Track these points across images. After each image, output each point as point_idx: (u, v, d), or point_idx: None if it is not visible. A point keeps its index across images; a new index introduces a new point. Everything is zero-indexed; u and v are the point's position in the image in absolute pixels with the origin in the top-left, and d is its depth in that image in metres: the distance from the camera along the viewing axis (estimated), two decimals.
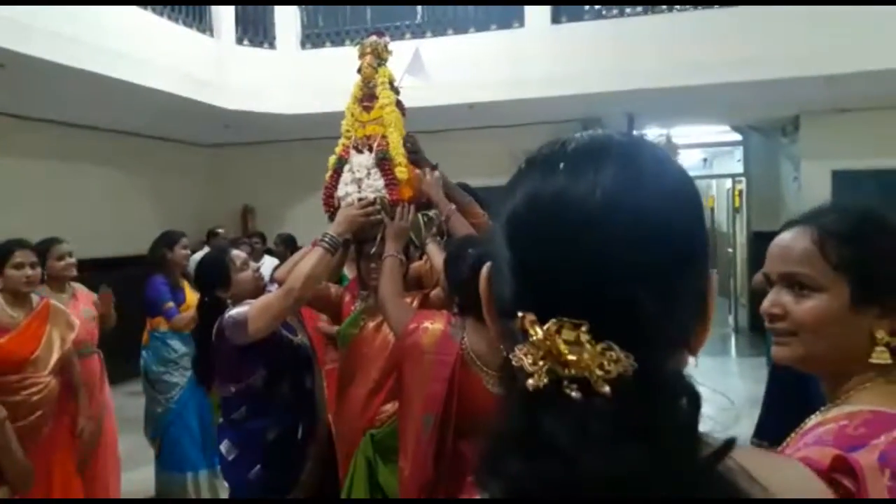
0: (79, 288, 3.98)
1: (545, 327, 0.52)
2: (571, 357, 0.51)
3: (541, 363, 0.51)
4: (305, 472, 2.66)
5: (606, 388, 0.50)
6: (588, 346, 0.51)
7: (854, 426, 0.96)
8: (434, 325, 2.16)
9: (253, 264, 2.84)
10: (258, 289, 2.76)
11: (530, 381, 0.51)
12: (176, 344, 4.25)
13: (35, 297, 3.36)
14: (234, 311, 2.52)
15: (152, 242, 4.45)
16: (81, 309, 3.85)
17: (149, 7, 6.07)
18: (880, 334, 1.03)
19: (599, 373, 0.50)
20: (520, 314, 0.53)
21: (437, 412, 2.07)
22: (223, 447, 2.67)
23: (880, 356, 1.02)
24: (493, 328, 0.61)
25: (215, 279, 2.71)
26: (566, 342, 0.51)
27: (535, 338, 0.52)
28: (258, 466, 2.59)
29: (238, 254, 2.79)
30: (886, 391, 1.01)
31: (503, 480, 0.51)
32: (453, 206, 2.57)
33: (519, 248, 0.56)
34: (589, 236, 0.53)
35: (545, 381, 0.51)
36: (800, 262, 1.08)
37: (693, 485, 0.50)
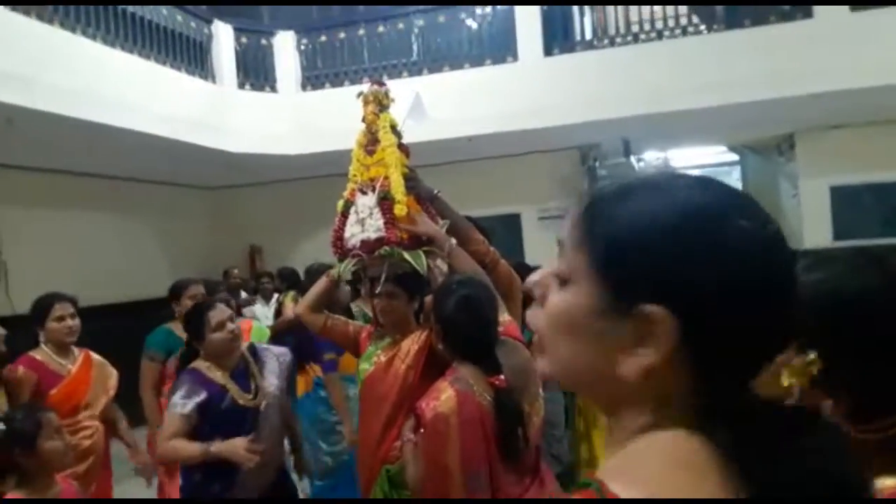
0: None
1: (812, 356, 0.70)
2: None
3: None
4: (241, 473, 2.68)
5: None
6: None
7: None
8: (442, 394, 2.14)
9: (230, 325, 2.78)
10: (230, 350, 2.81)
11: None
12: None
13: (74, 348, 3.47)
14: (175, 403, 2.66)
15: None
16: None
17: (151, 57, 6.22)
18: None
19: None
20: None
21: (485, 469, 2.07)
22: None
23: None
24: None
25: (192, 333, 2.84)
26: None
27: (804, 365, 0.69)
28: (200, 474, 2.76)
29: (216, 313, 2.77)
30: None
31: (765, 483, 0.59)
32: (454, 241, 2.61)
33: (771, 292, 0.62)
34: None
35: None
36: None
37: None
